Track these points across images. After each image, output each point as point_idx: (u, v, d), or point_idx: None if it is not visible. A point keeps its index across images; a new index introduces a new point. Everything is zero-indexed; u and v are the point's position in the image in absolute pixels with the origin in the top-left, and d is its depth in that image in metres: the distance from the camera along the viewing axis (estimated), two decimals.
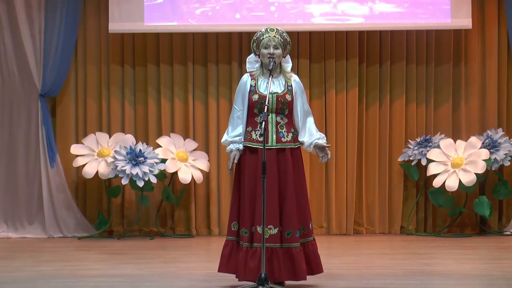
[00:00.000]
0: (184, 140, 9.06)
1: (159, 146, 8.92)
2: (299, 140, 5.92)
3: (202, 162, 8.97)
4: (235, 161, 5.87)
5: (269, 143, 5.80)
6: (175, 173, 8.88)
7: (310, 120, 5.96)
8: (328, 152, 5.95)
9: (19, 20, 8.93)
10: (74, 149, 8.93)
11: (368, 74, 9.21)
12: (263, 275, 5.54)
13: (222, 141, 5.97)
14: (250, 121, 5.88)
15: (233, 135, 5.88)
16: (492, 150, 8.78)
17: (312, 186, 8.99)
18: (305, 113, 5.94)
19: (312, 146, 5.91)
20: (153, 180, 8.57)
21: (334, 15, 8.92)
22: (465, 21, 8.89)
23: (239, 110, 5.90)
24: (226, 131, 5.95)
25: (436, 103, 9.23)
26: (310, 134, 5.92)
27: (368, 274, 6.55)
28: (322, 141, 5.92)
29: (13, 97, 9.06)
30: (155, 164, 8.61)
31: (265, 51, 5.84)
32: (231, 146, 5.88)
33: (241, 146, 5.86)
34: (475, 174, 8.58)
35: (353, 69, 9.16)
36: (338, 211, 9.16)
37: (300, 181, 5.88)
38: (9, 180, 9.06)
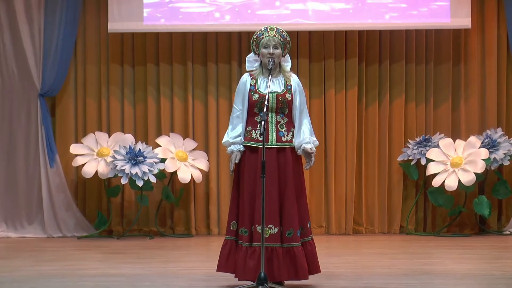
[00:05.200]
0: (184, 139, 9.06)
1: (159, 145, 8.92)
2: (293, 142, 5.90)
3: (201, 162, 8.97)
4: (236, 162, 5.87)
5: (269, 142, 5.80)
6: (175, 172, 8.88)
7: (306, 122, 5.90)
8: (312, 159, 5.92)
9: (19, 19, 8.93)
10: (74, 148, 8.93)
11: (368, 73, 9.21)
12: (262, 274, 5.54)
13: (223, 142, 5.96)
14: (250, 121, 5.87)
15: (233, 136, 5.87)
16: (491, 150, 8.78)
17: (311, 186, 9.00)
18: (301, 114, 5.91)
19: (301, 149, 5.89)
20: (153, 179, 8.57)
21: (334, 15, 8.91)
22: (464, 21, 8.89)
23: (239, 109, 5.89)
24: (226, 132, 5.94)
25: (436, 102, 9.23)
26: (303, 136, 5.87)
27: (367, 274, 6.55)
28: (309, 145, 5.87)
29: (12, 97, 9.06)
30: (154, 163, 8.61)
31: (264, 50, 5.84)
32: (232, 147, 5.87)
33: (241, 147, 5.86)
34: (475, 173, 8.58)
35: (352, 69, 9.16)
36: (337, 211, 9.16)
37: (300, 180, 5.88)
38: (8, 179, 9.06)
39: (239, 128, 5.86)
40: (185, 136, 9.15)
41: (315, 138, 5.94)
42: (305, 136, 5.87)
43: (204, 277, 6.43)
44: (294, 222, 5.77)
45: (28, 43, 8.97)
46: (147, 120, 9.24)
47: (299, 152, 5.88)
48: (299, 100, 5.90)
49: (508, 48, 9.14)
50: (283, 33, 5.91)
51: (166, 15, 8.95)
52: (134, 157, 8.54)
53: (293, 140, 5.86)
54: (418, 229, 9.20)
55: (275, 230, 5.74)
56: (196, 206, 9.19)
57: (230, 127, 5.92)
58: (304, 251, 5.82)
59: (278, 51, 5.83)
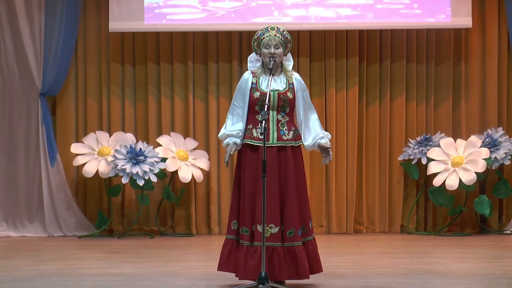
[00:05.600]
0: (184, 139, 9.06)
1: (159, 145, 8.92)
2: (303, 140, 5.91)
3: (202, 161, 8.97)
4: (231, 153, 5.86)
5: (270, 141, 5.80)
6: (175, 172, 8.88)
7: (314, 117, 5.95)
8: (330, 153, 5.95)
9: (19, 19, 8.92)
10: (74, 148, 8.93)
11: (368, 72, 9.21)
12: (263, 274, 5.54)
13: (219, 135, 5.94)
14: (251, 119, 5.86)
15: (231, 129, 5.86)
16: (492, 149, 8.77)
17: (312, 185, 8.99)
18: (307, 110, 5.93)
19: (316, 146, 5.91)
20: (153, 179, 8.57)
21: (334, 14, 8.91)
22: (465, 20, 8.89)
23: (239, 107, 5.88)
24: (223, 126, 5.93)
25: (436, 102, 9.22)
26: (315, 132, 5.91)
27: (368, 273, 6.55)
28: (324, 140, 5.91)
29: (13, 96, 9.06)
30: (155, 163, 8.60)
31: (266, 50, 5.83)
32: (228, 140, 5.86)
33: (238, 140, 5.84)
34: (475, 173, 8.58)
35: (353, 68, 9.16)
36: (338, 210, 9.16)
37: (301, 179, 5.88)
38: (9, 179, 9.06)
39: (239, 125, 5.84)
40: (185, 135, 9.14)
41: (327, 132, 5.96)
42: (317, 132, 5.89)
43: (204, 277, 6.43)
44: (295, 221, 5.76)
45: (28, 42, 8.97)
46: (148, 119, 9.23)
47: (314, 148, 5.89)
48: (302, 97, 5.90)
49: (509, 48, 9.14)
50: (284, 32, 5.91)
51: (167, 14, 8.95)
52: (135, 157, 8.54)
53: (303, 139, 5.88)
54: (419, 229, 9.19)
55: (276, 230, 5.74)
56: (196, 205, 9.19)
57: (229, 122, 5.89)
58: (306, 250, 5.82)
59: (279, 50, 5.83)
